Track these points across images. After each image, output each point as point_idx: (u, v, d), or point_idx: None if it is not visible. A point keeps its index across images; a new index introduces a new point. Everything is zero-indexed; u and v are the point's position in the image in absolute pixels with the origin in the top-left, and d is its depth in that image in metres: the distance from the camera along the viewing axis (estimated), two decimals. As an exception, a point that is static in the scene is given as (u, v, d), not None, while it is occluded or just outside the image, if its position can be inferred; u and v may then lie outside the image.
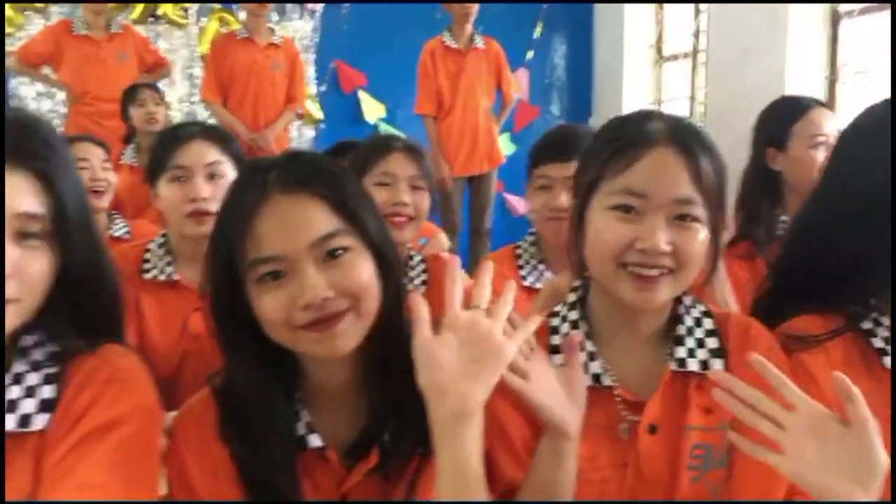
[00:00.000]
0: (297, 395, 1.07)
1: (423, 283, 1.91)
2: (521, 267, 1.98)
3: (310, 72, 5.65)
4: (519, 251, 2.03)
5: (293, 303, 0.97)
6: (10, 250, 0.88)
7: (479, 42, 4.70)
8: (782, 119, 2.24)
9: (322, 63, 5.78)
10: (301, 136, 5.69)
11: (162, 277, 1.80)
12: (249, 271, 0.99)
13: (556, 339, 1.15)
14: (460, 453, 0.91)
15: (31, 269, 0.90)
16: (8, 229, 0.88)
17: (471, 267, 4.44)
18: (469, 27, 4.65)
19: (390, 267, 1.05)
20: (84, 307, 0.98)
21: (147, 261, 1.83)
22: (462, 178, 4.75)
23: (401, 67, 5.10)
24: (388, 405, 1.05)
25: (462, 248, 4.75)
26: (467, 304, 0.95)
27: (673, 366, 1.13)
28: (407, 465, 1.04)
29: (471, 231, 4.87)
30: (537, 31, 6.25)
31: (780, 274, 1.35)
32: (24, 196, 0.90)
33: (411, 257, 1.96)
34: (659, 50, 6.08)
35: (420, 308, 0.96)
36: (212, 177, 1.80)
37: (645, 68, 6.12)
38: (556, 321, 1.18)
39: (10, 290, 0.89)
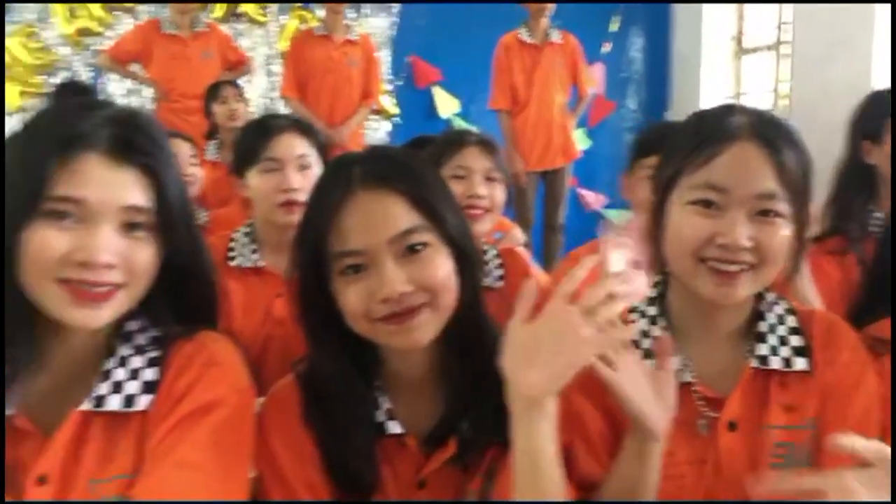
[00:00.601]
0: (378, 382, 1.09)
1: (500, 277, 1.92)
2: None
3: (386, 67, 5.71)
4: None
5: (372, 296, 1.00)
6: (117, 241, 0.93)
7: (556, 37, 4.68)
8: (878, 112, 2.17)
9: (398, 58, 5.83)
10: (377, 132, 5.75)
11: (247, 264, 1.87)
12: (333, 263, 1.02)
13: (633, 335, 1.15)
14: (533, 441, 0.93)
15: (137, 258, 0.95)
16: (115, 221, 0.93)
17: (545, 263, 4.43)
18: (545, 22, 4.63)
19: (469, 262, 1.07)
20: (184, 295, 1.03)
21: (232, 249, 1.91)
22: (536, 172, 4.74)
23: (476, 63, 5.11)
24: (465, 396, 1.07)
25: (535, 244, 4.74)
26: (576, 299, 0.95)
27: (754, 363, 1.12)
28: (485, 454, 1.06)
29: (545, 226, 4.85)
30: (614, 25, 6.18)
31: (873, 272, 1.32)
32: (132, 190, 0.94)
33: (486, 251, 1.98)
34: (739, 42, 5.94)
35: (524, 296, 0.97)
36: (301, 168, 1.88)
37: (724, 61, 5.98)
38: (634, 316, 1.18)
39: (117, 276, 0.94)
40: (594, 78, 5.43)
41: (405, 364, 1.10)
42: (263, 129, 1.93)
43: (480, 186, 1.90)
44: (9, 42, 5.25)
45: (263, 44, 5.64)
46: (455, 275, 1.04)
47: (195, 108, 4.32)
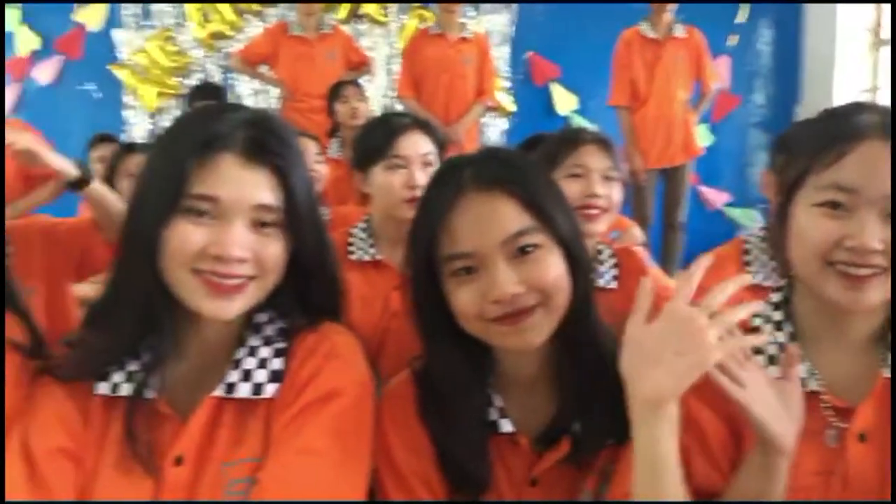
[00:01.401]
0: (490, 381, 1.11)
1: (614, 277, 1.90)
2: (748, 263, 1.92)
3: (504, 65, 5.72)
4: (748, 245, 1.96)
5: (485, 297, 1.01)
6: (249, 237, 0.98)
7: (679, 31, 4.57)
8: None
9: (516, 55, 5.82)
10: (493, 129, 5.77)
11: (366, 258, 1.94)
12: (445, 265, 1.04)
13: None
14: (655, 444, 0.92)
15: (267, 253, 1.00)
16: (247, 218, 0.99)
17: (664, 262, 4.33)
18: (668, 16, 4.54)
19: (580, 263, 1.06)
20: (309, 289, 1.08)
21: (351, 243, 1.97)
22: (655, 170, 4.64)
23: (595, 59, 5.05)
24: (578, 396, 1.07)
25: (654, 243, 4.65)
26: (697, 300, 0.94)
27: (886, 372, 1.06)
28: (599, 454, 1.06)
29: (664, 225, 4.75)
30: (741, 17, 5.96)
31: None
32: (263, 189, 0.99)
33: (601, 251, 1.96)
34: (876, 33, 5.61)
35: (642, 295, 0.97)
36: (425, 165, 1.93)
37: (860, 53, 5.67)
38: (758, 321, 1.15)
39: (248, 270, 0.99)
40: (719, 72, 5.26)
41: (518, 364, 1.10)
42: (389, 128, 1.98)
43: (598, 186, 1.87)
44: (147, 45, 5.58)
45: (384, 44, 5.75)
46: (567, 275, 1.04)
47: (319, 107, 4.45)
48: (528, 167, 1.10)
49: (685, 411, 0.96)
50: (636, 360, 0.94)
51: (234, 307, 1.00)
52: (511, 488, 1.07)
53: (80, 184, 1.86)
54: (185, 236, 0.97)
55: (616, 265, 1.92)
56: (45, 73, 5.75)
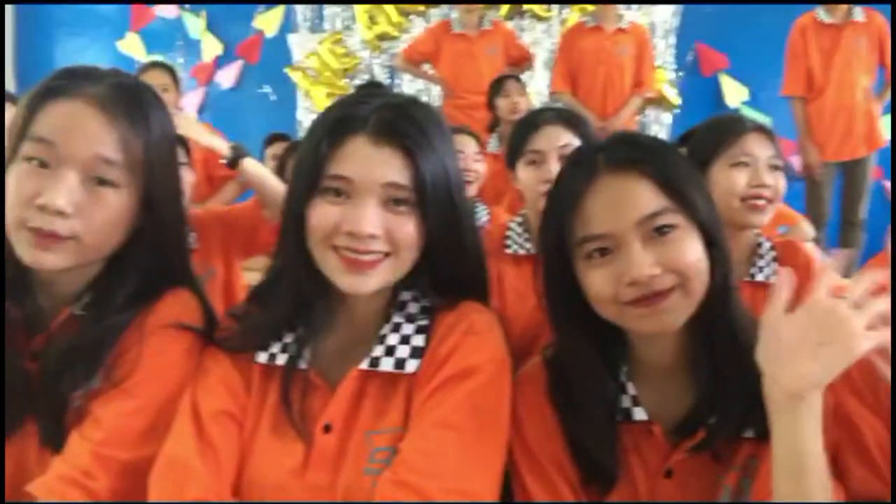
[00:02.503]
0: (624, 368, 1.09)
1: (775, 272, 1.81)
2: None
3: (668, 56, 5.56)
4: None
5: (620, 279, 1.00)
6: (379, 214, 1.03)
7: (859, 15, 4.27)
8: None
9: (682, 47, 5.63)
10: (657, 122, 5.62)
11: (521, 252, 1.98)
12: (578, 248, 1.04)
13: None
14: (796, 438, 0.88)
15: (400, 231, 1.04)
16: (378, 196, 1.03)
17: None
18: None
19: (719, 247, 1.03)
20: (448, 269, 1.11)
21: (508, 237, 2.02)
22: (833, 163, 4.36)
23: (766, 48, 4.82)
24: (715, 385, 1.04)
25: (831, 241, 4.37)
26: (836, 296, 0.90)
27: None
28: (740, 447, 1.02)
29: (842, 222, 4.44)
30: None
31: None
32: (392, 169, 1.03)
33: (760, 244, 1.87)
34: None
35: (780, 286, 0.93)
36: (562, 158, 1.91)
37: None
38: None
39: (380, 246, 1.03)
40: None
41: (653, 350, 1.09)
42: (529, 123, 2.03)
43: (766, 175, 1.80)
44: (319, 49, 5.86)
45: (546, 39, 5.74)
46: (705, 259, 1.01)
47: (479, 103, 4.51)
48: (663, 148, 1.08)
49: (839, 408, 0.91)
50: (774, 351, 0.91)
51: (370, 283, 1.04)
52: (645, 478, 1.06)
53: (234, 163, 2.10)
54: (323, 214, 1.03)
55: (775, 259, 1.83)
56: (227, 77, 6.20)
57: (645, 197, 1.01)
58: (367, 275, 1.03)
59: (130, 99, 1.08)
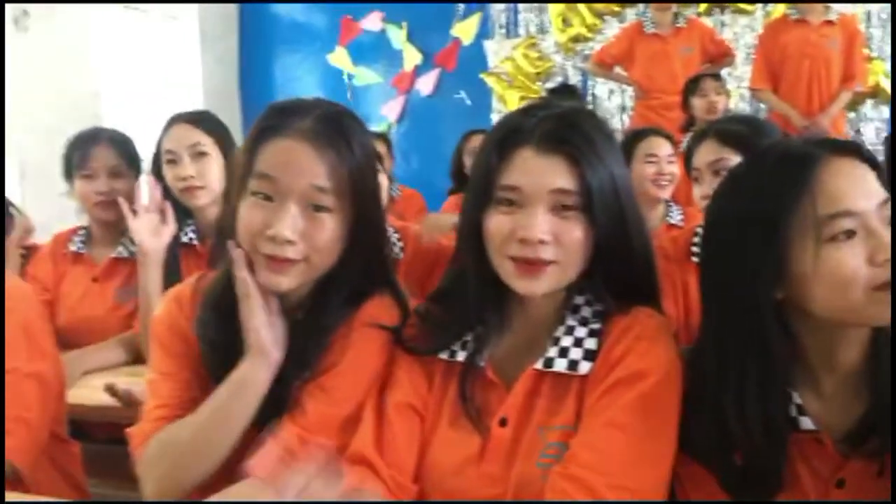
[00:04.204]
0: (791, 377, 1.06)
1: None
2: None
3: (886, 46, 5.13)
4: None
5: (873, 259, 0.95)
6: (549, 220, 1.07)
7: None
8: None
9: (901, 35, 5.17)
10: (875, 116, 5.20)
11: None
12: (818, 229, 0.97)
13: None
14: None
15: (568, 236, 1.08)
16: (546, 204, 1.07)
17: None
18: None
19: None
20: (616, 274, 1.13)
21: (695, 243, 1.97)
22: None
23: None
24: (889, 395, 1.00)
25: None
26: None
27: None
28: None
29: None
30: None
31: None
32: (559, 176, 1.08)
33: None
34: None
35: None
36: (717, 174, 1.91)
37: None
38: None
39: (550, 253, 1.07)
40: None
41: (825, 358, 1.05)
42: (697, 137, 2.07)
43: None
44: (514, 53, 5.96)
45: (748, 33, 5.49)
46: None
47: (673, 103, 4.41)
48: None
49: None
50: None
51: (541, 286, 1.10)
52: (815, 488, 1.03)
53: None
54: (497, 224, 1.10)
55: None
56: (426, 84, 6.47)
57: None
58: (537, 278, 1.09)
59: (334, 129, 1.19)
